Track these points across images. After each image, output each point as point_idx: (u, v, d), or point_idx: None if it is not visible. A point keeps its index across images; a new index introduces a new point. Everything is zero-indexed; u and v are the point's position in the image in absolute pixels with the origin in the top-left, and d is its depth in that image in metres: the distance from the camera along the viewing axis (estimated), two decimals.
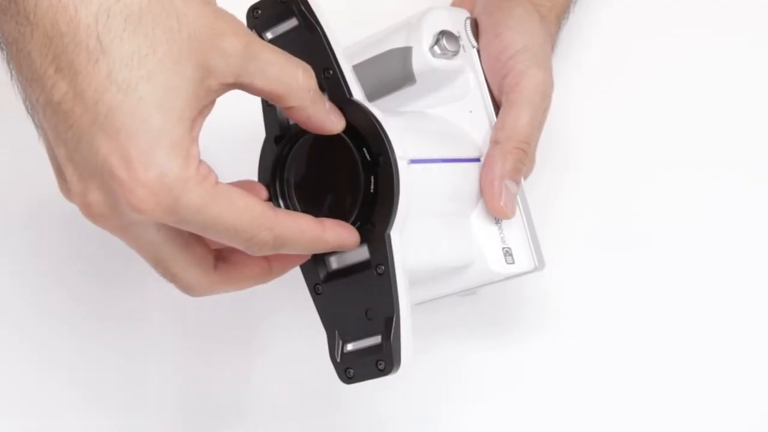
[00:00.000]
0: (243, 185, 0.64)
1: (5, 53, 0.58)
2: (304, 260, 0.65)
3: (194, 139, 0.57)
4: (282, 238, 0.60)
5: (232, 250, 0.62)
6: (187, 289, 0.62)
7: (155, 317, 0.81)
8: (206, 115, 0.58)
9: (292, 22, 0.65)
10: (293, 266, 0.65)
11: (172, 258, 0.60)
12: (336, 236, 0.62)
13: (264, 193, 0.65)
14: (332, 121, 0.63)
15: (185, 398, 0.81)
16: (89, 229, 0.80)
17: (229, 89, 0.59)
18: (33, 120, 0.59)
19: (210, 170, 0.57)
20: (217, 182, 0.57)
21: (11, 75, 0.59)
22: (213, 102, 0.59)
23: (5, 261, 0.82)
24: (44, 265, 0.82)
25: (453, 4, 0.77)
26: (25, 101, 0.59)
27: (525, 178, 0.71)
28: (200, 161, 0.57)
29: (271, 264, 0.64)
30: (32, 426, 0.81)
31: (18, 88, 0.59)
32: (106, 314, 0.82)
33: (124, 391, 0.81)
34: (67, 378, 0.81)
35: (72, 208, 0.59)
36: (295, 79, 0.60)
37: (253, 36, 0.59)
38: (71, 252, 0.82)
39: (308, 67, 0.60)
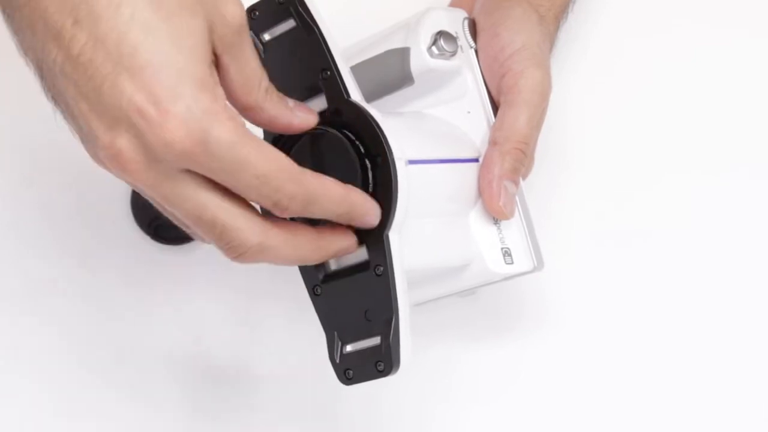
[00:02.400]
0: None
1: (13, 21, 0.59)
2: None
3: (217, 83, 0.57)
4: (310, 194, 0.59)
5: None
6: (241, 242, 0.59)
7: (155, 317, 0.81)
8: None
9: (289, 23, 0.65)
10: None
11: (216, 205, 0.58)
12: (360, 199, 0.62)
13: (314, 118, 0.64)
14: (298, 117, 0.62)
15: (185, 398, 0.81)
16: (88, 224, 0.81)
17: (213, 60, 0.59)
18: (49, 95, 0.59)
19: (239, 115, 0.57)
20: (245, 126, 0.57)
21: (22, 50, 0.59)
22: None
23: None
24: (40, 259, 0.82)
25: (451, 5, 0.77)
26: (43, 80, 0.59)
27: (524, 178, 0.71)
28: (227, 104, 0.57)
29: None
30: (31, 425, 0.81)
31: (30, 64, 0.59)
32: (105, 313, 0.82)
33: (124, 390, 0.81)
34: (63, 378, 0.81)
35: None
36: (260, 80, 0.60)
37: (246, 25, 0.59)
38: (69, 246, 0.82)
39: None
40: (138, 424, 0.81)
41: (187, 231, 0.61)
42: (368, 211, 0.62)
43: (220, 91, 0.57)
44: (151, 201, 0.60)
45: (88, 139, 0.58)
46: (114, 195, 0.82)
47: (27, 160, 0.83)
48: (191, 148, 0.56)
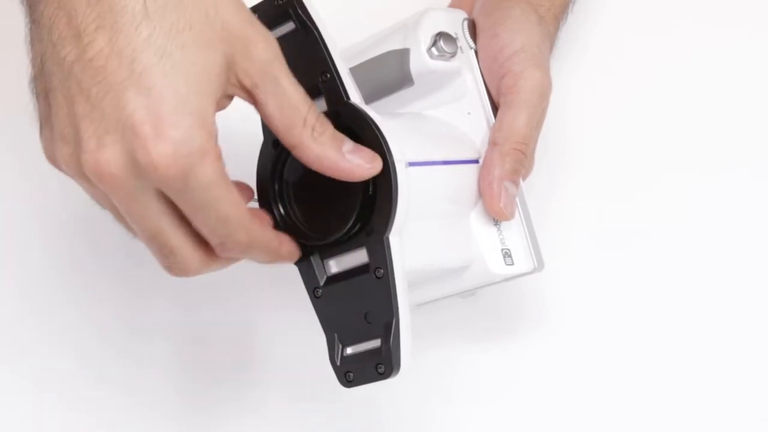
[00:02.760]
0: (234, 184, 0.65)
1: (35, 12, 0.60)
2: None
3: (214, 120, 0.59)
4: (251, 244, 0.62)
5: None
6: (182, 266, 0.62)
7: (155, 317, 0.81)
8: (223, 107, 0.61)
9: (289, 26, 0.65)
10: None
11: (171, 231, 0.61)
12: (289, 251, 0.65)
13: (251, 195, 0.66)
14: (351, 162, 0.63)
15: (185, 399, 0.81)
16: (88, 224, 0.81)
17: (242, 94, 0.61)
18: (38, 89, 0.61)
19: (221, 158, 0.59)
20: (224, 169, 0.59)
21: (31, 41, 0.61)
22: (230, 98, 0.61)
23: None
24: (40, 258, 0.82)
25: (451, 6, 0.77)
26: (37, 70, 0.61)
27: (524, 179, 0.71)
28: (217, 144, 0.59)
29: None
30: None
31: (33, 55, 0.61)
32: (105, 313, 0.82)
33: (123, 390, 0.81)
34: (63, 378, 0.81)
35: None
36: (301, 119, 0.61)
37: (281, 58, 0.61)
38: (69, 246, 0.82)
39: (314, 107, 0.62)
40: (137, 425, 0.80)
41: (138, 239, 0.64)
42: (289, 259, 0.66)
43: (215, 130, 0.59)
44: (104, 207, 0.62)
45: (69, 141, 0.59)
46: None
47: (27, 160, 0.82)
48: (173, 175, 0.57)
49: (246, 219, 0.61)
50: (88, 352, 0.81)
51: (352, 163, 0.62)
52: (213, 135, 0.58)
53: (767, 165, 0.82)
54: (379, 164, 0.63)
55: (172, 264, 0.62)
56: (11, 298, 0.82)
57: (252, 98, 0.61)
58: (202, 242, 0.62)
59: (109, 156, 0.58)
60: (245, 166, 0.68)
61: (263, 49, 0.60)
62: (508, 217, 0.69)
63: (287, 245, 0.65)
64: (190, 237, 0.62)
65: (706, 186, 0.82)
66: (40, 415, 0.81)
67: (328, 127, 0.62)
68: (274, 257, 0.64)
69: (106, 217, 0.81)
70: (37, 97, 0.61)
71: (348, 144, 0.63)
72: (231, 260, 0.64)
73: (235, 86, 0.60)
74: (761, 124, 0.83)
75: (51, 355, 0.81)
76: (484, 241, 0.70)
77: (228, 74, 0.59)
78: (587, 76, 0.83)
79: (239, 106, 0.66)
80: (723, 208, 0.81)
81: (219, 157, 0.58)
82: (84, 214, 0.82)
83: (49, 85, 0.60)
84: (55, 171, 0.80)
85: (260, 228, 0.62)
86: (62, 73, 0.59)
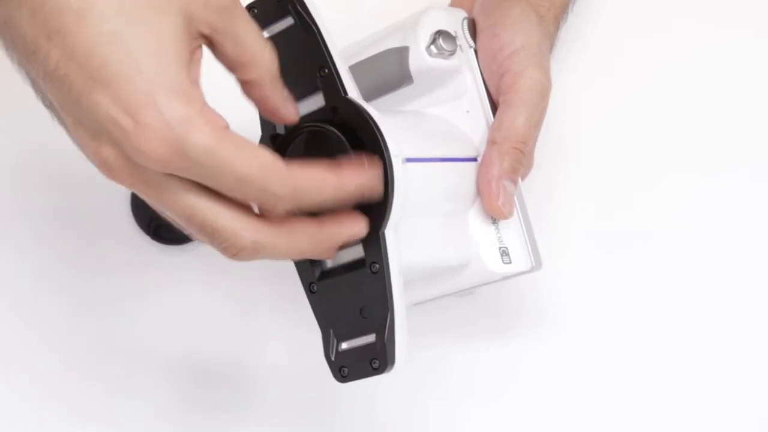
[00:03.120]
0: None
1: (3, 41, 0.59)
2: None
3: (194, 83, 0.57)
4: (299, 190, 0.58)
5: None
6: (234, 242, 0.58)
7: (154, 317, 0.81)
8: (199, 61, 0.58)
9: (288, 21, 0.65)
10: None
11: (204, 206, 0.58)
12: (356, 180, 0.61)
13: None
14: (287, 109, 0.62)
15: (184, 397, 0.81)
16: (88, 224, 0.81)
17: (204, 41, 0.58)
18: (46, 106, 0.60)
19: (219, 116, 0.57)
20: (226, 127, 0.57)
21: (14, 62, 0.59)
22: (200, 48, 0.58)
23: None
24: (40, 258, 0.82)
25: (451, 5, 0.77)
26: (36, 91, 0.60)
27: (523, 178, 0.71)
28: (206, 105, 0.56)
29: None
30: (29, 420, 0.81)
31: (25, 78, 0.60)
32: (104, 313, 0.82)
33: (123, 389, 0.81)
34: (62, 378, 0.81)
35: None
36: (262, 55, 0.59)
37: (238, 2, 0.59)
38: (69, 246, 0.82)
39: (274, 52, 0.60)
40: (137, 424, 0.81)
41: (185, 231, 0.61)
42: (364, 186, 0.61)
43: (196, 92, 0.57)
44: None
45: (79, 147, 0.59)
46: (114, 195, 0.82)
47: (27, 160, 0.83)
48: (168, 156, 0.56)
49: (274, 167, 0.57)
50: (85, 353, 0.81)
51: (288, 109, 0.62)
52: (194, 99, 0.56)
53: (766, 165, 0.82)
54: (296, 117, 0.62)
55: (222, 244, 0.59)
56: (11, 298, 0.82)
57: (211, 44, 0.59)
58: (249, 213, 0.59)
59: (107, 156, 0.57)
60: None
61: None
62: (506, 215, 0.69)
63: (352, 175, 0.60)
64: (231, 209, 0.58)
65: (705, 186, 0.82)
66: (38, 415, 0.81)
67: (277, 71, 0.60)
68: (342, 193, 0.59)
69: (105, 216, 0.82)
70: (51, 112, 0.60)
71: (284, 90, 0.61)
72: (298, 234, 0.60)
73: (198, 37, 0.58)
74: (761, 125, 0.83)
75: (49, 356, 0.81)
76: (481, 240, 0.70)
77: (189, 29, 0.57)
78: (587, 76, 0.83)
79: (235, 104, 0.67)
80: (722, 209, 0.81)
81: (209, 119, 0.56)
82: (77, 212, 0.82)
83: (46, 102, 0.60)
84: (57, 168, 0.82)
85: (301, 170, 0.58)
86: (42, 90, 0.58)
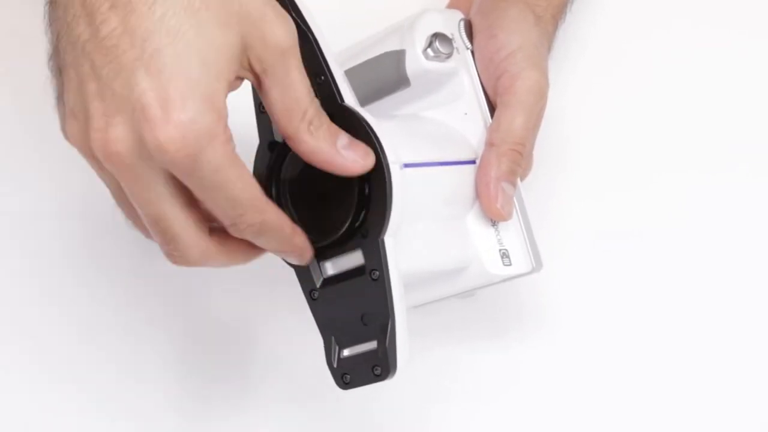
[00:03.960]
0: None
1: None
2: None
3: (225, 103, 0.59)
4: (266, 225, 0.61)
5: None
6: (184, 253, 0.62)
7: (154, 317, 0.81)
8: (235, 88, 0.60)
9: None
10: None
11: (174, 214, 0.60)
12: (301, 244, 0.64)
13: None
14: (345, 157, 0.63)
15: (183, 398, 0.81)
16: (88, 224, 0.81)
17: (250, 77, 0.60)
18: (54, 67, 0.61)
19: (231, 139, 0.59)
20: (235, 151, 0.59)
21: (48, 20, 0.61)
22: (241, 80, 0.61)
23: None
24: (39, 258, 0.82)
25: (449, 6, 0.77)
26: (55, 49, 0.61)
27: (522, 179, 0.71)
28: (227, 126, 0.59)
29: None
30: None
31: (50, 34, 0.61)
32: (104, 313, 0.81)
33: (122, 389, 0.81)
34: (62, 377, 0.81)
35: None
36: (301, 111, 0.61)
37: (297, 46, 0.60)
38: (69, 246, 0.82)
39: (316, 102, 0.62)
40: (136, 424, 0.80)
41: (137, 226, 0.64)
42: (303, 252, 0.64)
43: (225, 112, 0.58)
44: (109, 189, 0.62)
45: (79, 118, 0.59)
46: None
47: (27, 160, 0.83)
48: (181, 158, 0.57)
49: (259, 200, 0.61)
50: (84, 352, 0.81)
51: (346, 158, 0.62)
52: (223, 117, 0.58)
53: (765, 165, 0.82)
54: (372, 159, 0.63)
55: (173, 251, 0.62)
56: (11, 298, 0.82)
57: (258, 83, 0.61)
58: (206, 231, 0.62)
59: (117, 135, 0.58)
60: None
61: (280, 35, 0.59)
62: (506, 217, 0.69)
63: (301, 236, 0.64)
64: (194, 225, 0.61)
65: (704, 186, 0.81)
66: (37, 415, 0.81)
67: (325, 121, 0.62)
68: (287, 246, 0.63)
69: (105, 216, 0.81)
70: (54, 75, 0.62)
71: (343, 138, 0.63)
72: (236, 254, 0.64)
73: (246, 69, 0.60)
74: (759, 125, 0.82)
75: (49, 356, 0.81)
76: (481, 242, 0.70)
77: (241, 56, 0.59)
78: (585, 76, 0.82)
79: (239, 108, 0.67)
80: (721, 209, 0.81)
81: (228, 139, 0.58)
82: (77, 212, 0.82)
83: (63, 63, 0.60)
84: (57, 167, 0.81)
85: (275, 211, 0.62)
86: (75, 51, 0.59)
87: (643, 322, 0.80)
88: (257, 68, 0.60)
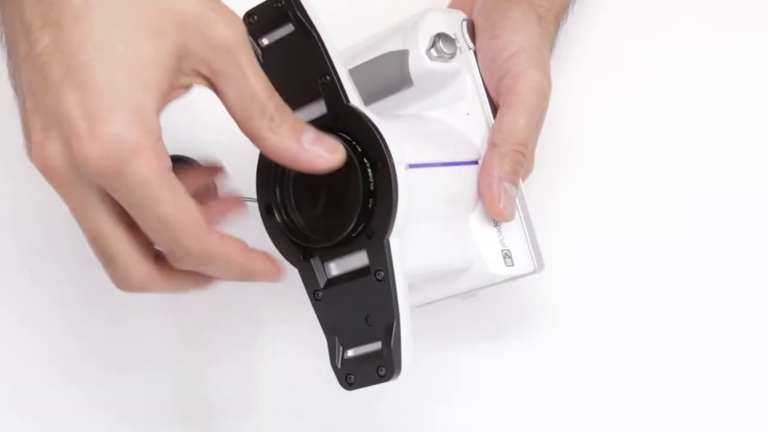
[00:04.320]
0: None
1: (3, 13, 0.61)
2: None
3: (157, 116, 0.58)
4: (207, 256, 0.60)
5: None
6: (123, 276, 0.61)
7: (154, 317, 0.81)
8: (174, 99, 0.59)
9: (288, 28, 0.65)
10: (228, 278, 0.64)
11: (113, 234, 0.60)
12: (262, 268, 0.62)
13: (241, 207, 0.65)
14: (311, 153, 0.61)
15: (183, 399, 0.81)
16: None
17: (202, 82, 0.59)
18: (14, 83, 0.61)
19: (167, 156, 0.58)
20: (170, 170, 0.58)
21: (4, 39, 0.61)
22: (185, 88, 0.59)
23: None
24: (39, 258, 0.82)
25: (450, 6, 0.77)
26: (10, 67, 0.61)
27: (524, 180, 0.71)
28: (161, 140, 0.58)
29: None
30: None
31: (5, 51, 0.61)
32: (104, 313, 0.81)
33: (122, 393, 0.81)
34: (61, 378, 0.81)
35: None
36: (258, 108, 0.60)
37: (244, 42, 0.59)
38: (68, 246, 0.82)
39: (276, 96, 0.61)
40: (134, 426, 0.80)
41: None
42: (268, 275, 0.63)
43: (157, 126, 0.58)
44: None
45: (26, 134, 0.60)
46: None
47: (27, 160, 0.82)
48: (106, 172, 0.57)
49: (196, 226, 0.59)
50: (84, 352, 0.81)
51: (312, 153, 0.61)
52: (153, 131, 0.57)
53: (766, 167, 0.82)
54: (341, 154, 0.62)
55: (113, 272, 0.61)
56: (11, 298, 0.82)
57: (212, 86, 0.60)
58: (150, 255, 0.61)
59: (52, 150, 0.58)
60: (246, 170, 0.68)
61: (223, 34, 0.58)
62: (508, 218, 0.69)
63: (261, 263, 0.62)
64: (135, 246, 0.60)
65: (706, 187, 0.81)
66: (37, 415, 0.81)
67: (288, 116, 0.61)
68: (244, 274, 0.62)
69: None
70: (15, 93, 0.61)
71: (309, 133, 0.61)
72: (184, 282, 0.62)
73: (191, 75, 0.59)
74: (760, 126, 0.82)
75: (49, 356, 0.81)
76: (484, 243, 0.69)
77: (180, 64, 0.58)
78: (587, 77, 0.82)
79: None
80: (722, 209, 0.81)
81: (160, 155, 0.57)
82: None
83: (15, 82, 0.60)
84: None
85: (218, 239, 0.60)
86: (19, 69, 0.59)
87: (644, 322, 0.80)
88: (206, 72, 0.59)
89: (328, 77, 0.64)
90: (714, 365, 0.80)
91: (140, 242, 0.60)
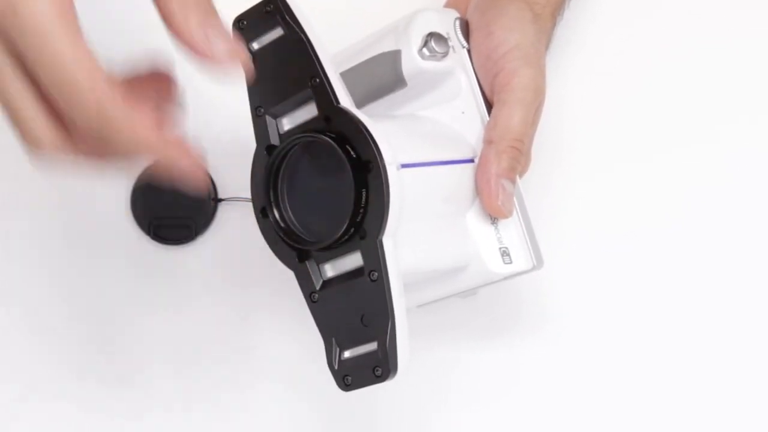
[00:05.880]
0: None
1: None
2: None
3: None
4: (107, 120, 0.53)
5: None
6: (32, 135, 0.55)
7: (154, 317, 0.81)
8: None
9: (277, 32, 0.65)
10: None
11: (18, 91, 0.54)
12: (176, 155, 0.56)
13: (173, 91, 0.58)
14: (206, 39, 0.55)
15: (183, 398, 0.81)
16: (88, 224, 0.81)
17: None
18: None
19: (74, 9, 0.53)
20: (73, 12, 0.53)
21: None
22: None
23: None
24: (39, 258, 0.82)
25: (446, 4, 0.77)
26: None
27: (521, 176, 0.70)
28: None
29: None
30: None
31: None
32: (104, 313, 0.82)
33: (122, 390, 0.81)
34: (61, 378, 0.81)
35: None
36: None
37: None
38: (69, 246, 0.82)
39: None
40: (135, 424, 0.81)
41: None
42: (181, 163, 0.56)
43: None
44: None
45: None
46: (114, 195, 0.82)
47: (27, 160, 0.83)
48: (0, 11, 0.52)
49: (95, 81, 0.53)
50: (84, 352, 0.81)
51: (210, 42, 0.55)
52: None
53: (765, 165, 0.82)
54: (238, 57, 0.56)
55: (22, 131, 0.56)
56: (11, 298, 0.82)
57: None
58: (59, 117, 0.55)
59: None
60: (240, 170, 0.68)
61: None
62: (506, 214, 0.69)
63: (176, 150, 0.55)
64: (43, 105, 0.54)
65: (704, 184, 0.81)
66: (36, 415, 0.81)
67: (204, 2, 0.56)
68: (153, 154, 0.55)
69: (105, 216, 0.82)
70: None
71: (217, 25, 0.56)
72: (97, 152, 0.55)
73: None
74: (760, 123, 0.82)
75: (49, 356, 0.81)
76: (481, 241, 0.69)
77: None
78: (584, 73, 0.82)
79: (237, 112, 0.67)
80: (720, 207, 0.81)
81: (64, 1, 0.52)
82: (77, 212, 0.82)
83: None
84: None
85: (122, 105, 0.53)
86: None
87: (644, 319, 0.80)
88: None
89: (317, 79, 0.64)
90: (714, 363, 0.79)
91: (48, 103, 0.55)
